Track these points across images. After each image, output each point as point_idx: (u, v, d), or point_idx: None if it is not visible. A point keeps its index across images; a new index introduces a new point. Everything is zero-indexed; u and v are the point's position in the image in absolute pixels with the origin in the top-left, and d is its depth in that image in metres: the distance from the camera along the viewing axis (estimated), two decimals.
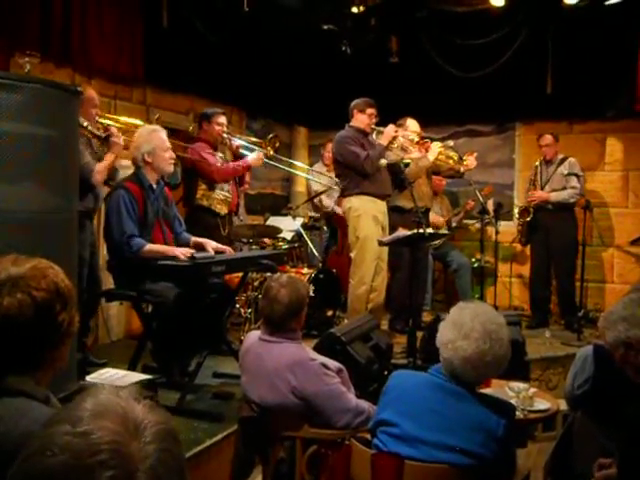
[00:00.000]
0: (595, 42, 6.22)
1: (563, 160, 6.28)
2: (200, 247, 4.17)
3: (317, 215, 6.97)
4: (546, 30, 6.39)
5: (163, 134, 4.12)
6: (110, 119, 4.62)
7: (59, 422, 0.79)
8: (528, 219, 6.28)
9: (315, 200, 6.91)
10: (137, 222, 3.92)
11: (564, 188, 6.20)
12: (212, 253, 4.08)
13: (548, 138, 6.31)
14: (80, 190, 4.09)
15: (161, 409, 0.85)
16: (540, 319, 6.29)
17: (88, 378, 3.56)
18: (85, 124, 4.22)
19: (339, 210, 6.63)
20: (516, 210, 6.49)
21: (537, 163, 6.44)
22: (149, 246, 3.89)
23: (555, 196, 6.19)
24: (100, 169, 4.30)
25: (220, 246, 4.23)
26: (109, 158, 4.35)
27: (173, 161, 4.16)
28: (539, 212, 6.24)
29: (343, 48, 6.65)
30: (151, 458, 0.76)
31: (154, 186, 4.09)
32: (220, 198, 5.17)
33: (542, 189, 6.27)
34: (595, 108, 6.67)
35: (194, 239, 4.27)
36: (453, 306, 2.27)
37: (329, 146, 7.17)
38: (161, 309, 3.93)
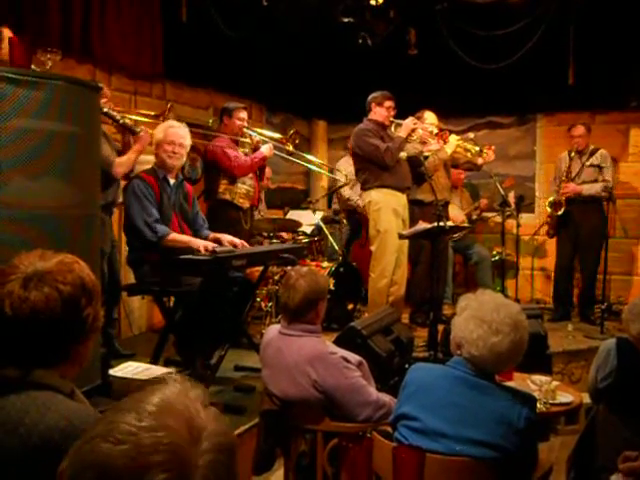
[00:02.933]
0: (617, 32, 6.14)
1: (594, 152, 6.15)
2: (217, 242, 4.19)
3: (337, 210, 6.97)
4: (567, 20, 6.32)
5: (174, 129, 4.12)
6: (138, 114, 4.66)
7: (126, 411, 0.78)
8: (560, 212, 6.16)
9: (339, 193, 6.92)
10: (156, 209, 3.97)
11: (594, 180, 6.09)
12: (229, 247, 4.10)
13: (581, 129, 6.16)
14: (103, 183, 4.15)
15: (224, 420, 0.84)
16: (563, 312, 6.24)
17: (111, 372, 3.61)
18: (114, 114, 4.26)
19: (361, 202, 6.62)
20: (548, 202, 6.36)
21: (565, 154, 6.29)
22: (173, 235, 3.93)
23: (587, 189, 6.06)
24: (122, 162, 4.32)
25: (235, 240, 4.24)
26: (135, 151, 4.37)
27: (175, 155, 4.10)
28: (569, 205, 6.12)
29: (361, 41, 6.62)
30: (206, 468, 0.76)
31: (170, 180, 4.12)
32: (242, 192, 5.18)
33: (572, 181, 6.17)
34: (618, 98, 6.59)
35: (211, 235, 4.29)
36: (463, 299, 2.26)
37: None
38: (185, 299, 3.96)
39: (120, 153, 4.46)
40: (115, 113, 4.33)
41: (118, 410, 0.79)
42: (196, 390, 0.85)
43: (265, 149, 5.21)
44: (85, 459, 0.76)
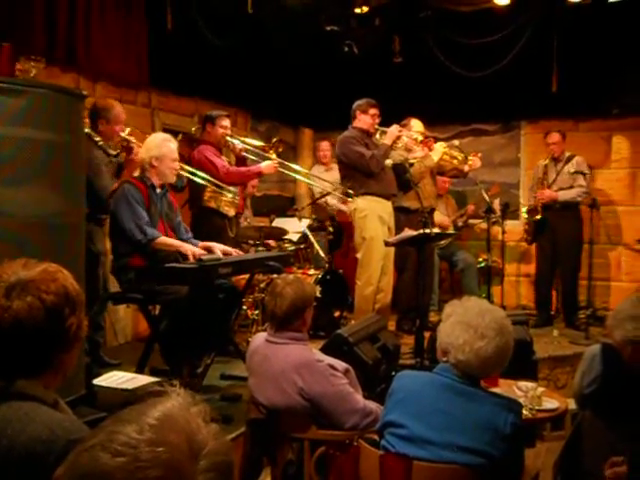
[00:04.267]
0: (600, 39, 6.20)
1: (570, 158, 6.25)
2: (208, 250, 4.18)
3: (319, 218, 6.96)
4: (551, 28, 6.37)
5: (174, 145, 4.18)
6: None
7: (126, 422, 0.77)
8: (537, 218, 6.24)
9: (321, 201, 6.92)
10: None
11: (571, 187, 6.18)
12: (217, 255, 4.09)
13: (556, 136, 6.27)
14: (97, 209, 4.22)
15: (224, 438, 0.83)
16: (545, 318, 6.30)
17: (96, 381, 3.58)
18: (97, 139, 4.28)
19: (344, 207, 6.63)
20: (524, 209, 6.45)
21: (542, 161, 6.40)
22: (162, 238, 3.93)
23: (563, 195, 6.17)
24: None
25: (228, 249, 4.24)
26: (125, 176, 4.37)
27: (176, 172, 4.22)
28: (546, 211, 6.21)
29: (346, 49, 6.65)
30: None
31: (157, 189, 4.12)
32: (228, 200, 5.17)
33: (549, 188, 6.25)
34: (600, 106, 6.65)
35: (202, 244, 4.28)
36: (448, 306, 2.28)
37: (323, 145, 7.23)
38: (171, 307, 3.95)
39: (120, 167, 4.48)
40: (95, 135, 4.33)
41: (119, 420, 0.78)
42: (198, 405, 0.84)
43: (264, 166, 5.14)
44: (82, 468, 0.75)
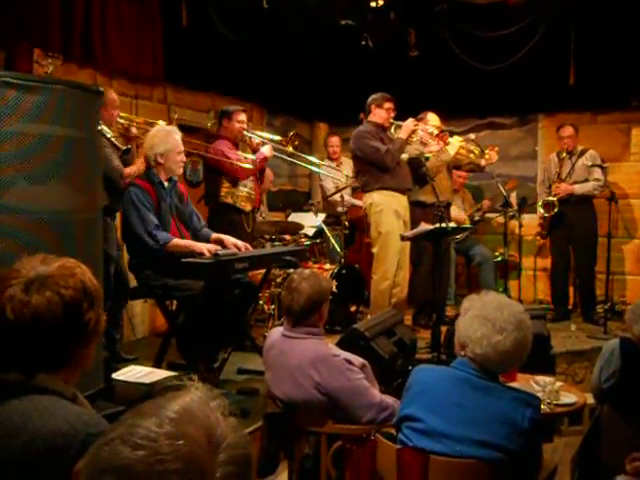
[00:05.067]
0: (617, 31, 6.13)
1: (583, 152, 6.20)
2: (219, 243, 4.19)
3: (332, 214, 6.96)
4: (568, 20, 6.31)
5: (178, 136, 4.15)
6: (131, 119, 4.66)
7: (146, 415, 0.78)
8: (553, 212, 6.19)
9: (336, 196, 6.91)
10: (155, 216, 3.97)
11: (585, 180, 6.13)
12: (233, 249, 4.10)
13: (569, 129, 6.23)
14: (111, 192, 4.18)
15: (243, 431, 0.83)
16: (562, 312, 6.25)
17: (114, 375, 3.61)
18: (109, 136, 4.27)
19: (357, 202, 6.62)
20: (540, 203, 6.40)
21: (554, 155, 6.36)
22: (175, 240, 3.92)
23: (579, 188, 6.12)
24: (129, 173, 4.33)
25: (238, 242, 4.24)
26: (139, 164, 4.36)
27: (184, 164, 4.22)
28: (562, 205, 6.16)
29: (363, 42, 6.62)
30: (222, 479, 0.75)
31: (165, 183, 4.11)
32: (244, 195, 5.19)
33: (564, 181, 6.20)
34: (619, 98, 6.58)
35: (214, 235, 4.29)
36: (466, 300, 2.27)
37: (332, 140, 7.20)
38: (188, 302, 3.96)
39: (129, 152, 4.47)
40: (107, 130, 4.32)
41: (139, 414, 0.79)
42: (216, 399, 0.84)
43: (265, 149, 5.22)
44: (103, 461, 0.75)
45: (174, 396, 0.82)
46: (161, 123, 4.66)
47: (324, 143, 7.65)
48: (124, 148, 4.35)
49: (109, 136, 4.28)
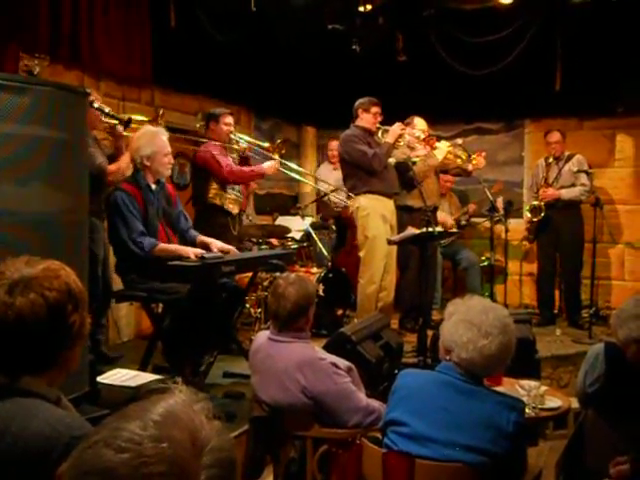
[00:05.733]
0: (604, 37, 6.18)
1: (570, 157, 6.25)
2: (205, 246, 4.17)
3: (325, 215, 6.96)
4: (554, 26, 6.36)
5: (165, 137, 4.11)
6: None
7: (130, 418, 0.78)
8: (540, 217, 6.23)
9: (325, 199, 6.91)
10: (141, 221, 3.94)
11: (572, 185, 6.18)
12: (218, 253, 4.09)
13: (556, 135, 6.27)
14: (96, 189, 4.13)
15: (227, 434, 0.83)
16: (547, 317, 6.29)
17: (99, 379, 3.58)
18: (107, 110, 4.26)
19: (350, 202, 6.62)
20: (527, 208, 6.44)
21: (541, 160, 6.40)
22: (161, 245, 3.90)
23: (566, 193, 6.16)
24: (112, 170, 4.31)
25: (225, 246, 4.23)
26: (124, 160, 4.34)
27: (171, 165, 4.17)
28: (548, 210, 6.21)
29: (354, 47, 6.63)
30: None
31: (152, 186, 4.08)
32: (232, 197, 5.18)
33: (551, 186, 6.24)
34: (605, 104, 6.63)
35: (200, 238, 4.27)
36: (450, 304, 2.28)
37: (332, 144, 7.18)
38: (174, 305, 3.94)
39: (112, 157, 4.45)
40: (105, 106, 4.31)
41: (122, 417, 0.79)
42: (201, 402, 0.84)
43: (267, 166, 5.16)
44: (87, 464, 0.75)
45: (158, 399, 0.81)
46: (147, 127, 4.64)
47: (324, 146, 7.61)
48: (110, 152, 4.35)
49: (103, 106, 4.28)
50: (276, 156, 5.36)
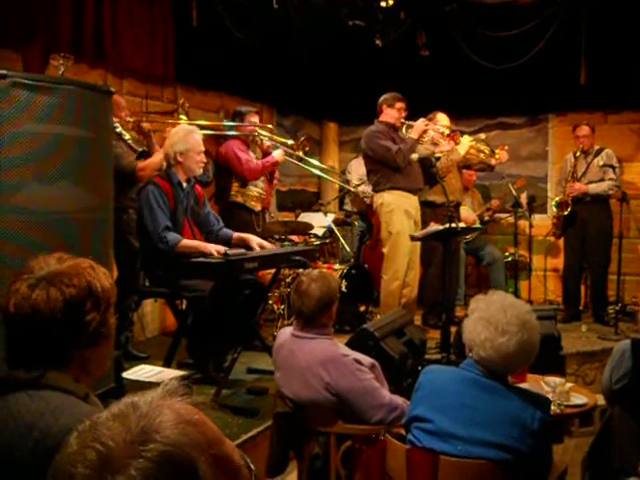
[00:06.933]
0: (628, 30, 6.10)
1: (599, 151, 6.16)
2: (243, 242, 4.19)
3: (359, 209, 6.94)
4: (579, 19, 6.28)
5: (199, 136, 4.15)
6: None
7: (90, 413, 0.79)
8: (567, 212, 6.16)
9: (353, 190, 6.89)
10: (169, 216, 3.97)
11: (601, 180, 6.09)
12: (257, 249, 4.13)
13: (585, 129, 6.17)
14: (127, 185, 4.27)
15: (193, 434, 0.74)
16: (573, 313, 6.23)
17: (124, 374, 3.62)
18: (126, 138, 4.31)
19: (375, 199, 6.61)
20: (554, 203, 6.36)
21: (570, 155, 6.32)
22: (184, 241, 3.93)
23: (594, 188, 6.07)
24: (141, 167, 4.34)
25: (264, 242, 4.27)
26: (156, 157, 4.38)
27: (203, 164, 4.20)
28: (576, 205, 6.12)
29: (377, 42, 6.61)
30: (132, 473, 0.69)
31: (184, 184, 4.12)
32: (254, 195, 5.21)
33: (578, 181, 6.16)
34: (630, 97, 6.54)
35: (237, 235, 4.29)
36: (473, 301, 2.26)
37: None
38: (198, 302, 3.97)
39: (146, 154, 4.49)
40: (125, 132, 4.36)
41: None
42: (178, 399, 0.81)
43: (277, 154, 5.23)
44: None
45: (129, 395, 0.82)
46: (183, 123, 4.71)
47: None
48: (140, 150, 4.38)
49: (126, 138, 4.31)
50: (300, 153, 5.40)
